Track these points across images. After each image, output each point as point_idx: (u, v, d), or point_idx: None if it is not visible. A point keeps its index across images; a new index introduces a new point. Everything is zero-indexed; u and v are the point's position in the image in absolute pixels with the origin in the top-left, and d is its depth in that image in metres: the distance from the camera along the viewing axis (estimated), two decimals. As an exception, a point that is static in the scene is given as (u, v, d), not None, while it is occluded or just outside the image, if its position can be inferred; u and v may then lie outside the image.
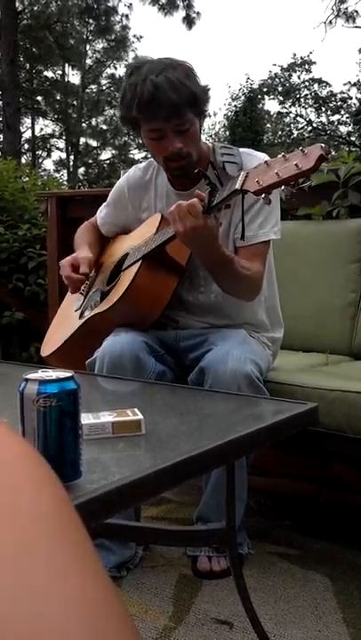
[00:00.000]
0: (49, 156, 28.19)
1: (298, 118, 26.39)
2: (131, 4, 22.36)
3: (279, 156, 1.44)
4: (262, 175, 1.43)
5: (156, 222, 1.82)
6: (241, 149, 1.81)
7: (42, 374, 0.84)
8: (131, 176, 1.94)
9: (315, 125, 26.11)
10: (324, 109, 26.07)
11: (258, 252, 1.76)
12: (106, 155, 27.92)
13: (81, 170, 27.58)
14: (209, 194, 1.56)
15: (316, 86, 26.22)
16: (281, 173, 1.40)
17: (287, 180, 1.41)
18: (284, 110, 26.28)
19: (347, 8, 19.78)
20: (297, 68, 26.18)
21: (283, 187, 1.45)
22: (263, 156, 1.75)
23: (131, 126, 1.78)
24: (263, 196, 1.45)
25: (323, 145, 1.40)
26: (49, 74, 25.41)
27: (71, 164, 27.19)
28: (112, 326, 1.78)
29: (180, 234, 1.57)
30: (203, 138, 1.83)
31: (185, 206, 1.54)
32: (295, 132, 26.17)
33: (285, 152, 1.44)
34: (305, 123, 26.26)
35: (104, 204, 2.07)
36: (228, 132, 22.72)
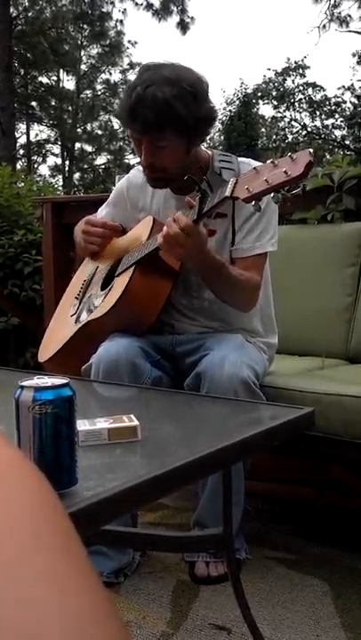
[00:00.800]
0: (44, 161, 28.20)
1: (292, 122, 26.44)
2: (125, 9, 22.50)
3: (268, 162, 1.45)
4: (251, 182, 1.44)
5: (148, 226, 1.82)
6: (239, 158, 1.81)
7: (37, 381, 0.84)
8: (131, 177, 1.95)
9: (309, 129, 26.17)
10: (318, 113, 26.12)
11: (254, 263, 1.76)
12: (101, 160, 27.95)
13: (76, 175, 27.59)
14: (199, 200, 1.56)
15: (310, 90, 26.28)
16: (270, 180, 1.40)
17: (276, 187, 1.41)
18: (279, 115, 26.33)
19: (340, 12, 19.89)
20: (291, 73, 26.24)
21: (272, 194, 1.44)
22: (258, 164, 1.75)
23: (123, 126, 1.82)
24: (253, 203, 1.45)
25: (311, 151, 1.40)
26: (44, 79, 25.42)
27: (66, 169, 27.20)
28: (108, 331, 1.78)
29: (184, 256, 1.60)
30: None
31: (179, 229, 1.54)
32: (290, 137, 26.21)
33: (274, 158, 1.44)
34: (299, 127, 26.32)
35: (105, 204, 2.08)
36: (222, 137, 22.76)
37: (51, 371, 1.93)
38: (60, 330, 2.01)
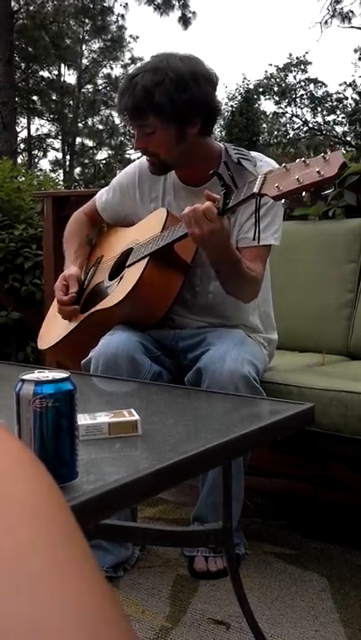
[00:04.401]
0: (45, 155, 28.18)
1: (294, 118, 26.40)
2: (127, 3, 22.38)
3: (298, 161, 1.44)
4: (282, 180, 1.42)
5: (162, 218, 1.80)
6: (251, 152, 1.81)
7: (38, 375, 0.84)
8: (144, 163, 1.91)
9: (311, 125, 26.13)
10: (320, 109, 26.08)
11: (260, 254, 1.76)
12: (102, 155, 27.92)
13: (77, 170, 27.57)
14: (224, 195, 1.55)
15: (311, 86, 26.24)
16: (302, 179, 1.39)
17: (309, 186, 1.40)
18: (280, 110, 26.30)
19: (342, 8, 19.83)
20: (293, 69, 26.20)
21: (303, 192, 1.44)
22: (272, 162, 1.77)
23: None
24: (283, 201, 1.45)
25: (343, 151, 1.40)
26: (45, 74, 25.39)
27: (67, 163, 27.17)
28: (115, 322, 1.78)
29: (197, 237, 1.57)
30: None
31: (201, 210, 1.54)
32: (291, 132, 26.18)
33: (305, 157, 1.43)
34: (301, 123, 26.27)
35: (105, 188, 2.04)
36: (224, 132, 22.73)
37: (52, 359, 1.93)
38: (59, 318, 1.98)
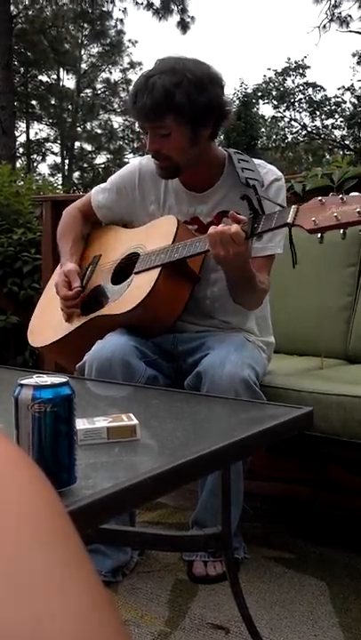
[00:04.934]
0: (44, 160, 28.18)
1: (292, 122, 26.45)
2: (125, 8, 22.52)
3: (333, 195, 1.45)
4: (317, 214, 1.44)
5: (172, 229, 1.77)
6: (255, 161, 1.81)
7: (36, 380, 0.83)
8: (144, 164, 1.90)
9: (309, 129, 26.18)
10: (318, 113, 26.13)
11: (266, 263, 1.78)
12: (101, 159, 27.95)
13: (76, 174, 27.59)
14: (252, 220, 1.56)
15: (310, 90, 26.29)
16: (340, 217, 1.41)
17: (346, 225, 1.41)
18: (279, 114, 26.35)
19: (340, 13, 19.89)
20: (291, 73, 26.25)
21: (341, 230, 1.44)
22: (275, 170, 1.79)
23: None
24: (319, 235, 1.45)
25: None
26: (44, 78, 25.45)
27: (66, 168, 27.20)
28: (117, 327, 1.76)
29: (221, 258, 1.57)
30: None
31: (229, 233, 1.53)
32: (290, 136, 26.22)
33: (342, 194, 1.44)
34: (299, 127, 26.32)
35: (102, 185, 2.02)
36: (222, 136, 22.77)
37: (46, 356, 1.90)
38: (57, 315, 1.94)
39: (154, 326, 1.78)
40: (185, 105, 1.66)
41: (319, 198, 1.47)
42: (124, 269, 1.86)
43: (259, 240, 1.66)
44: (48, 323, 1.98)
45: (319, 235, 1.45)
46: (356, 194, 1.42)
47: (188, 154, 1.74)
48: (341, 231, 1.42)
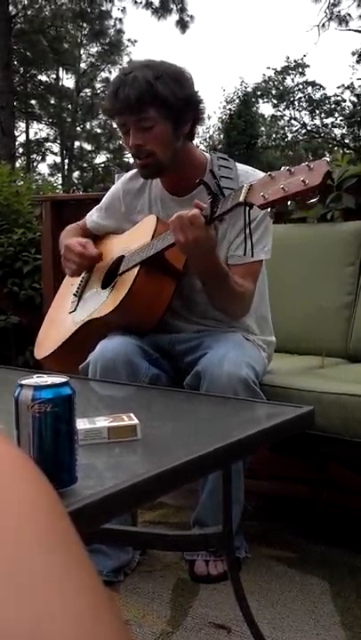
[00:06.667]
0: (43, 159, 28.21)
1: (292, 121, 26.47)
2: (124, 7, 22.58)
3: (283, 169, 1.43)
4: (267, 189, 1.42)
5: (151, 225, 1.81)
6: (239, 165, 1.80)
7: (37, 380, 0.83)
8: (126, 180, 1.94)
9: (309, 128, 26.18)
10: (318, 112, 26.14)
11: (250, 270, 1.76)
12: (100, 158, 27.96)
13: (75, 174, 27.61)
14: (211, 204, 1.55)
15: (309, 89, 26.31)
16: (287, 188, 1.38)
17: (293, 195, 1.40)
18: (279, 113, 26.37)
19: (340, 11, 19.89)
20: (291, 72, 26.27)
21: (289, 201, 1.44)
22: (259, 173, 1.76)
23: (110, 118, 1.84)
24: (269, 210, 1.44)
25: (328, 160, 1.40)
26: (43, 78, 25.47)
27: (66, 167, 27.21)
28: (110, 330, 1.78)
29: (181, 244, 1.56)
30: (197, 141, 1.83)
31: (187, 217, 1.53)
32: (290, 135, 26.24)
33: (289, 166, 1.43)
34: (299, 125, 26.33)
35: (96, 207, 2.06)
36: (222, 136, 22.77)
37: (49, 368, 1.94)
38: (57, 326, 2.00)
39: (143, 322, 1.79)
40: (168, 96, 1.67)
41: (269, 173, 1.46)
42: (114, 272, 1.89)
43: (220, 224, 1.64)
44: (48, 336, 2.04)
45: (269, 209, 1.44)
46: (304, 164, 1.40)
47: (170, 149, 1.74)
48: (289, 202, 1.41)
